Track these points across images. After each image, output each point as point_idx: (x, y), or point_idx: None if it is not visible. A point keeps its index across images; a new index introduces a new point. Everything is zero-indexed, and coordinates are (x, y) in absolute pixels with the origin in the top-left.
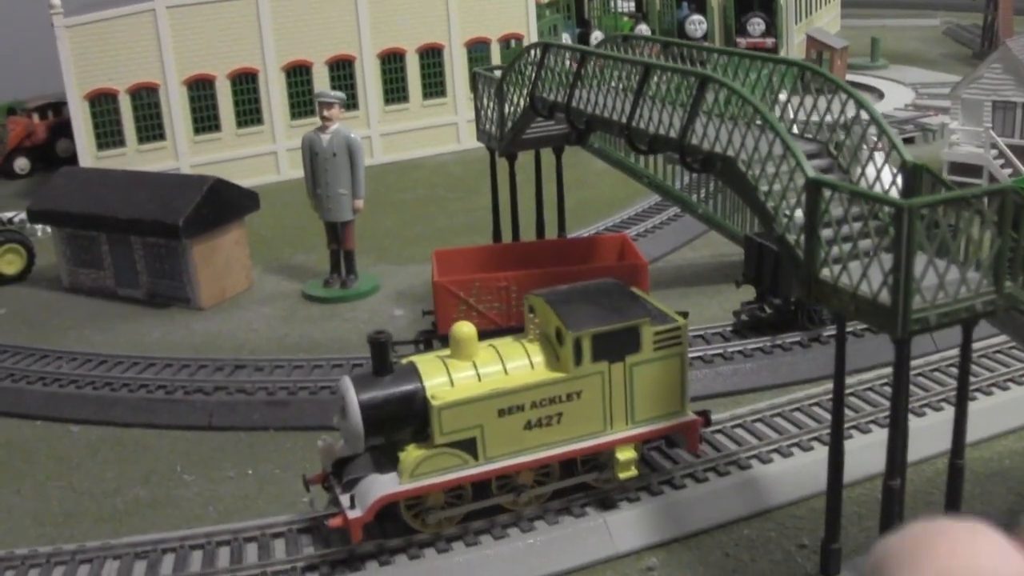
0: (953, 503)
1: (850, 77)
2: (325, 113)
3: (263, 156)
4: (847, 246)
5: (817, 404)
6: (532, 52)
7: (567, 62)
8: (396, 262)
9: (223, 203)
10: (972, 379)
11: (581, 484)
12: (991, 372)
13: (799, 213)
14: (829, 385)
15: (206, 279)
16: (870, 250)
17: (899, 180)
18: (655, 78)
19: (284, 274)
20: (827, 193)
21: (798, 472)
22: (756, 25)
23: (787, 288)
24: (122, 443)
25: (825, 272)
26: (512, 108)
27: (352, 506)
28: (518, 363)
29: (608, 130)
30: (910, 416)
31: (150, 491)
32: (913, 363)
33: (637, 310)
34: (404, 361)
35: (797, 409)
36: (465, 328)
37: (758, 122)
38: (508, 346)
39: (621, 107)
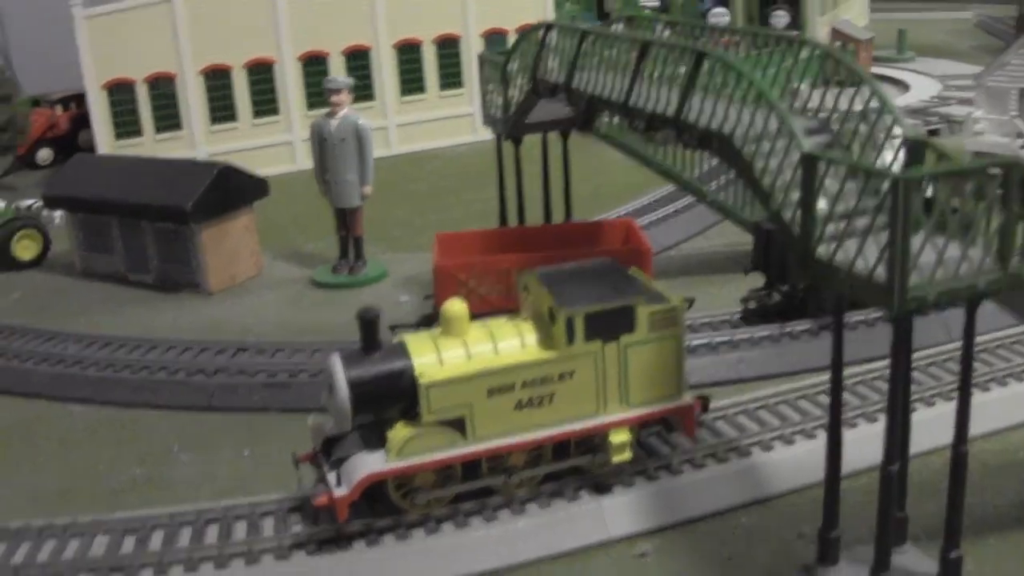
0: (956, 493)
1: (876, 70)
2: (333, 99)
3: (279, 146)
4: (843, 222)
5: (823, 392)
6: (535, 33)
7: (569, 42)
8: (405, 250)
9: (232, 189)
10: (987, 369)
11: (575, 467)
12: (1007, 362)
13: (792, 193)
14: (854, 369)
15: (215, 264)
16: (866, 226)
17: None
18: (653, 55)
19: (294, 261)
20: (822, 167)
21: (800, 460)
22: (780, 18)
23: (796, 275)
24: (122, 423)
25: (821, 249)
26: (516, 90)
27: (338, 484)
28: (509, 342)
29: (608, 110)
30: (920, 406)
31: (146, 470)
32: (924, 352)
33: (632, 290)
34: (394, 339)
35: (802, 397)
36: (456, 306)
37: (753, 98)
38: (500, 325)
39: (620, 86)
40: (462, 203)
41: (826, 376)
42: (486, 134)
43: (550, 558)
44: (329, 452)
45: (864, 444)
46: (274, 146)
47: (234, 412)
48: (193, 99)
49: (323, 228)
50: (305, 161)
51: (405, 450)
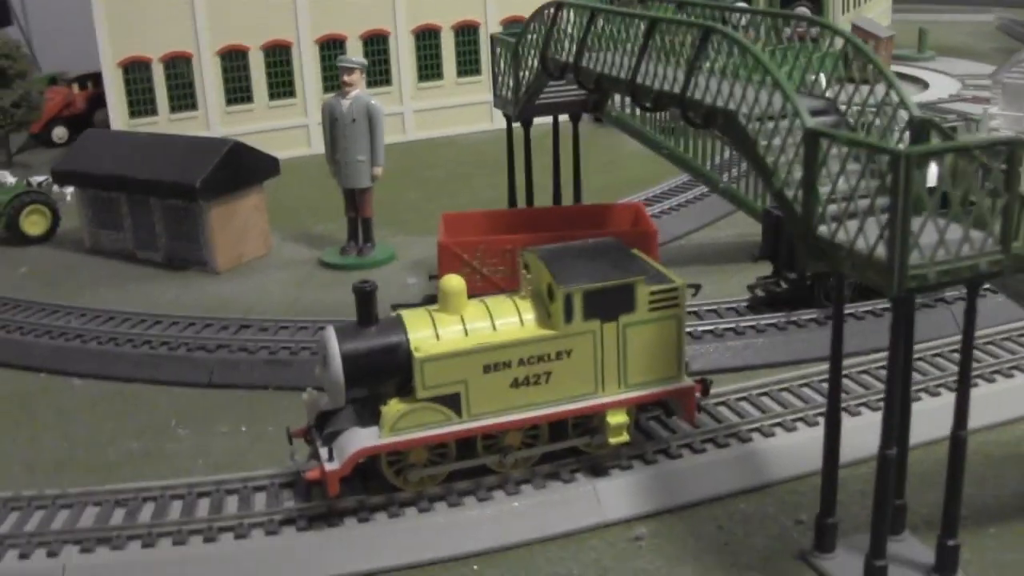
0: (955, 478)
1: (895, 68)
2: (345, 78)
3: (294, 129)
4: (845, 201)
5: (827, 380)
6: (545, 12)
7: (579, 20)
8: (415, 233)
9: (242, 167)
10: (992, 360)
11: (572, 449)
12: (1012, 355)
13: (796, 171)
14: (844, 361)
15: (223, 243)
16: (868, 204)
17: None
18: (660, 33)
19: (303, 242)
20: (824, 144)
21: (801, 447)
22: None
23: (802, 260)
24: (122, 397)
25: (822, 228)
26: (526, 71)
27: (330, 458)
28: (508, 319)
29: (615, 89)
30: (924, 395)
31: (143, 444)
32: (930, 343)
33: (633, 268)
34: (391, 314)
35: (805, 384)
36: (454, 282)
37: (757, 76)
38: (499, 302)
39: (627, 64)
40: (474, 189)
41: (820, 366)
42: (503, 122)
43: (544, 540)
44: (323, 427)
45: (866, 433)
46: (289, 129)
47: (234, 389)
48: (209, 79)
49: (334, 211)
50: (321, 145)
51: (398, 426)
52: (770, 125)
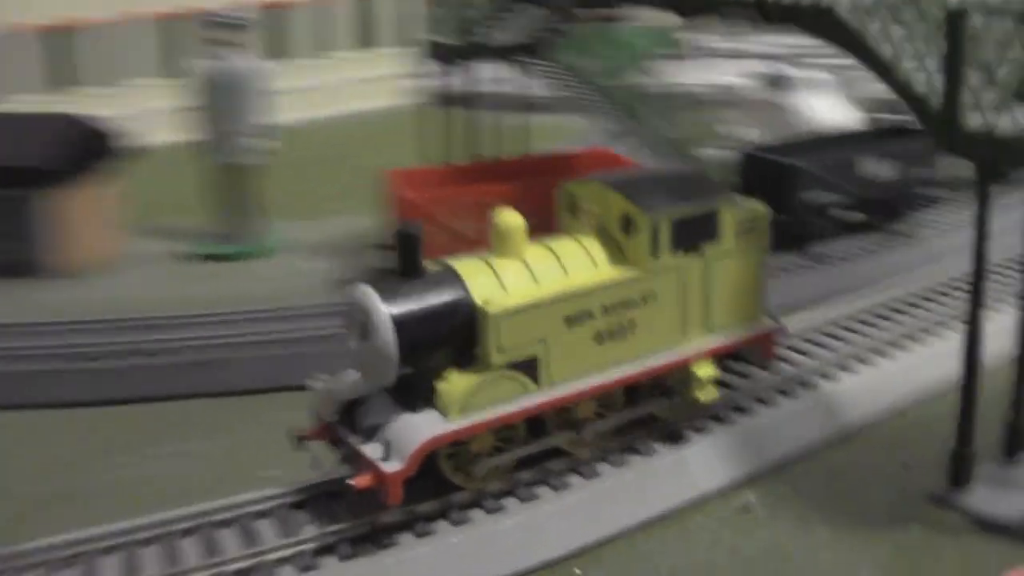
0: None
1: None
2: (223, 37)
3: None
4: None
5: (857, 320)
6: None
7: None
8: (304, 218)
9: (85, 146)
10: None
11: (643, 418)
12: None
13: (929, 61)
14: (876, 297)
15: (66, 239)
16: None
17: None
18: None
19: (166, 236)
20: (976, 22)
21: (869, 387)
22: None
23: (792, 204)
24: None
25: (974, 118)
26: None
27: (387, 457)
28: (577, 261)
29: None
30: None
31: (58, 484)
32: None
33: (715, 192)
34: (435, 264)
35: (843, 327)
36: (510, 218)
37: None
38: (561, 242)
39: None
40: (367, 171)
41: (865, 301)
42: (400, 99)
43: (639, 527)
44: (352, 421)
45: (936, 366)
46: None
47: (155, 402)
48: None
49: (195, 203)
50: (164, 136)
51: (470, 404)
52: (883, 14)
